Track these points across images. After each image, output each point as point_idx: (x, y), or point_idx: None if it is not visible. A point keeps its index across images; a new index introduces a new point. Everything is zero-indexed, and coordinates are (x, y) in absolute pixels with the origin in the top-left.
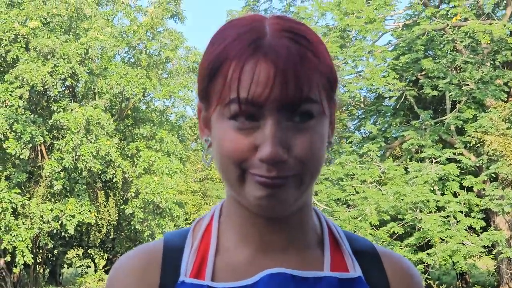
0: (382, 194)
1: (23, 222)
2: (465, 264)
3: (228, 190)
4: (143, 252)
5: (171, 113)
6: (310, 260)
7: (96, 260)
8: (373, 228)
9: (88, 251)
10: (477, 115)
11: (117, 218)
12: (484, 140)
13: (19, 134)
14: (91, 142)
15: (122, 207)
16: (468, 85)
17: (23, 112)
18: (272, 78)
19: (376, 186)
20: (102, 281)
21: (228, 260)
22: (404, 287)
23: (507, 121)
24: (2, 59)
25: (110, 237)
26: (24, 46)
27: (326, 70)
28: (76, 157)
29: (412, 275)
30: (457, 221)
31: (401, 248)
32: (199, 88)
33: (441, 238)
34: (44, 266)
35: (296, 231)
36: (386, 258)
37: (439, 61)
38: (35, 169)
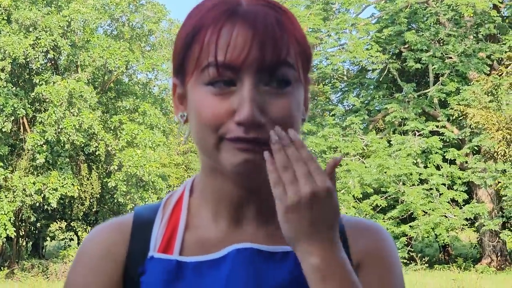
0: (365, 167)
1: (5, 196)
2: (448, 236)
3: (204, 161)
4: (113, 225)
5: (154, 86)
6: (278, 233)
7: (79, 233)
8: (356, 201)
9: (71, 224)
10: (460, 88)
11: (100, 191)
12: (467, 113)
13: (1, 107)
14: (73, 115)
15: (105, 180)
16: (451, 58)
17: (4, 85)
18: (250, 40)
19: (359, 159)
20: None
21: (198, 235)
22: (362, 244)
23: (489, 94)
24: None
25: (93, 210)
26: (6, 18)
27: (301, 40)
28: (59, 130)
29: (376, 232)
30: (440, 194)
31: (384, 221)
32: (174, 63)
33: (423, 211)
34: (26, 239)
35: (267, 202)
36: (349, 224)
37: (422, 34)
38: (17, 142)
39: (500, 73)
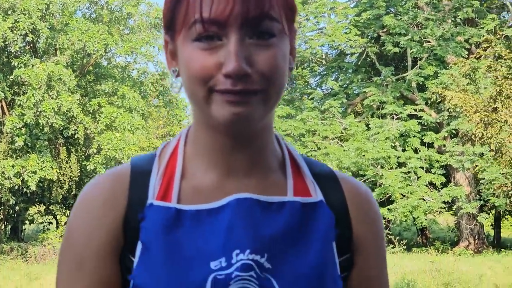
0: (344, 150)
1: None
2: (426, 219)
3: (196, 113)
4: (111, 175)
5: (133, 69)
6: (273, 185)
7: (58, 217)
8: None
9: (50, 207)
10: (438, 71)
11: (79, 174)
12: (445, 96)
13: None
14: (52, 98)
15: (84, 163)
16: (429, 42)
17: None
18: None
19: (338, 142)
20: None
21: (193, 184)
22: (361, 210)
23: (467, 77)
24: None
25: (72, 193)
26: None
27: None
28: (38, 113)
29: (370, 201)
30: (418, 177)
31: None
32: (164, 21)
33: (402, 194)
34: (5, 222)
35: (259, 152)
36: (344, 182)
37: (401, 18)
38: None
39: (478, 56)
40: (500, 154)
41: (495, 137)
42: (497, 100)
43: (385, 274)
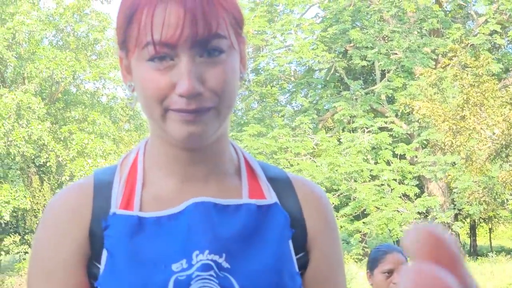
0: (316, 166)
1: None
2: (401, 231)
3: (153, 127)
4: (75, 188)
5: (102, 95)
6: (229, 189)
7: None
8: None
9: (25, 237)
10: (406, 83)
11: None
12: (413, 106)
13: None
14: (22, 127)
15: (57, 190)
16: (396, 54)
17: None
18: (182, 18)
19: (310, 158)
20: None
21: (154, 192)
22: (314, 210)
23: (434, 86)
24: None
25: None
26: None
27: (231, 8)
28: (8, 142)
29: (322, 200)
30: (392, 189)
31: (337, 218)
32: (118, 39)
33: (376, 207)
34: None
35: (216, 161)
36: (297, 184)
37: (367, 32)
38: None
39: (444, 66)
40: (471, 162)
41: (464, 145)
42: (464, 108)
43: (342, 271)
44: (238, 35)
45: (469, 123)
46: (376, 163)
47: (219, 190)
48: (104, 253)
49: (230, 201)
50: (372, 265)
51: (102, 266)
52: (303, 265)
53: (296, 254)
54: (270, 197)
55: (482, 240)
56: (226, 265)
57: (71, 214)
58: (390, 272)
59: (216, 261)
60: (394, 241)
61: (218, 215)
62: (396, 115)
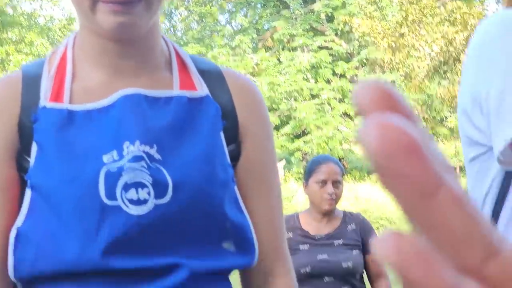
0: (256, 85)
1: None
2: (342, 149)
3: (82, 20)
4: (2, 82)
5: (40, 16)
6: (161, 81)
7: None
8: None
9: None
10: (345, 1)
11: None
12: (352, 24)
13: None
14: None
15: None
16: None
17: None
18: None
19: (250, 78)
20: None
21: (84, 85)
22: (245, 101)
23: (373, 4)
24: None
25: None
26: None
27: None
28: None
29: (253, 91)
30: (332, 108)
31: (278, 138)
32: None
33: (316, 126)
34: None
35: (146, 54)
36: (229, 76)
37: None
38: None
39: None
40: (410, 79)
41: (403, 63)
42: (403, 26)
43: (274, 160)
44: None
45: (408, 40)
46: (316, 82)
47: (150, 83)
48: (34, 146)
49: (161, 92)
50: (307, 175)
51: (32, 159)
52: (235, 157)
53: (228, 145)
54: (202, 89)
55: None
56: (157, 156)
57: (0, 108)
58: (324, 182)
59: (147, 152)
60: None
61: (149, 107)
62: (336, 34)
